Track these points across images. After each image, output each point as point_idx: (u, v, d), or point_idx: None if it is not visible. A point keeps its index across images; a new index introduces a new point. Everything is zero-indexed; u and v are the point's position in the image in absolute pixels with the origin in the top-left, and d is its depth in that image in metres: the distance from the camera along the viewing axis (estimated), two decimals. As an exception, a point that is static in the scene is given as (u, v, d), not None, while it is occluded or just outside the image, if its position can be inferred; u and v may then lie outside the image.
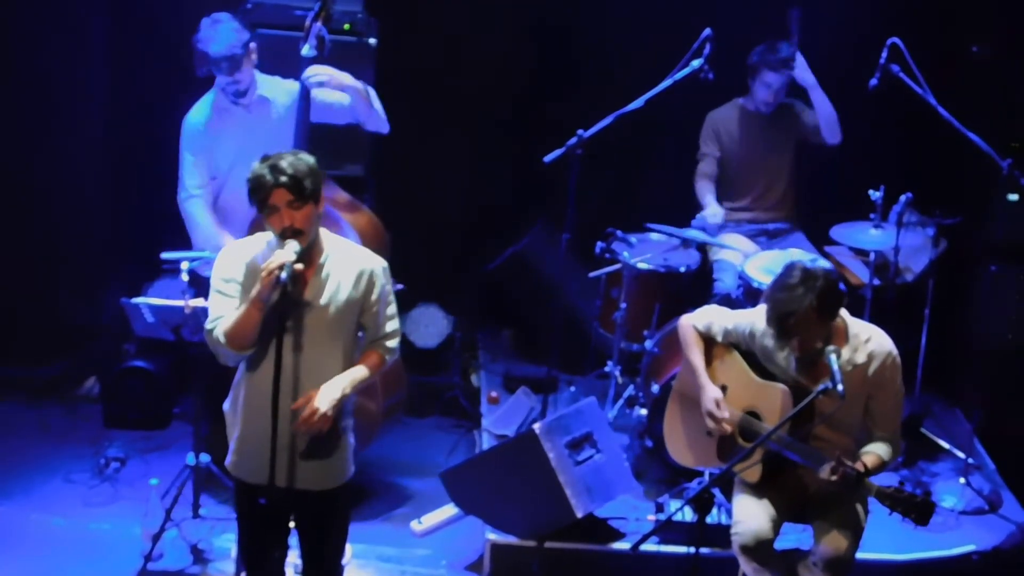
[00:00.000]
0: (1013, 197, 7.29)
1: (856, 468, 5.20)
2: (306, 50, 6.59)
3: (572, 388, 7.56)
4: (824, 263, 5.44)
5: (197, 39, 6.59)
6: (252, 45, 6.64)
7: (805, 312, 5.15)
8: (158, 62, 7.67)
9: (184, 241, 6.80)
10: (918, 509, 5.16)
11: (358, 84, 6.65)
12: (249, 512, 5.31)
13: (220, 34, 6.56)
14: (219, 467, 5.87)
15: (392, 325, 5.30)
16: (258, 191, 4.98)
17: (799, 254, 6.78)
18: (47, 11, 7.69)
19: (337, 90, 6.60)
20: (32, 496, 6.97)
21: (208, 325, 5.12)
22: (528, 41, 7.96)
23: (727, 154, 7.46)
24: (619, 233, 7.14)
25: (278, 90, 6.73)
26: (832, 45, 7.46)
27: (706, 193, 7.38)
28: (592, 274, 7.26)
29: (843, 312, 5.36)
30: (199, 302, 5.83)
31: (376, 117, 6.74)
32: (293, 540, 5.38)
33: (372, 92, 6.73)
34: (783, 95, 7.36)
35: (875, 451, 5.31)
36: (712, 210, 7.24)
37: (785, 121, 7.47)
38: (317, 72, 6.51)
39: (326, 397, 5.08)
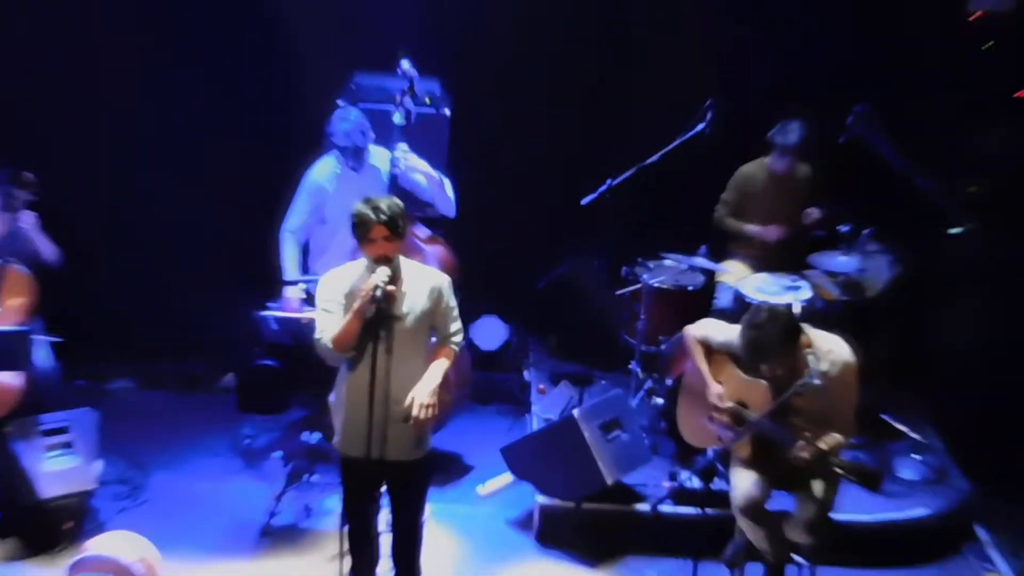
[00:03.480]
0: (955, 230, 7.23)
1: (819, 446, 5.19)
2: (397, 118, 6.68)
3: (603, 382, 7.54)
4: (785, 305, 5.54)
5: (329, 127, 6.69)
6: (371, 135, 6.70)
7: (771, 343, 5.17)
8: (284, 124, 7.71)
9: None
10: (868, 478, 5.15)
11: (434, 174, 6.70)
12: (350, 478, 5.37)
13: (348, 129, 6.66)
14: (327, 443, 5.91)
15: (456, 326, 5.34)
16: (361, 227, 5.05)
17: (779, 280, 6.81)
18: (210, 82, 7.69)
19: (418, 175, 6.65)
20: (185, 467, 7.05)
21: (317, 335, 5.19)
22: (570, 107, 7.91)
23: (745, 201, 7.37)
24: (640, 260, 7.18)
25: (382, 160, 6.75)
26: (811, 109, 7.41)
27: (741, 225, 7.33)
28: (619, 292, 7.25)
29: (808, 328, 5.35)
30: (312, 315, 5.89)
31: (446, 202, 6.77)
32: (385, 501, 5.41)
33: (447, 182, 6.76)
34: (788, 163, 7.24)
35: (833, 439, 5.25)
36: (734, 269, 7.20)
37: (792, 181, 7.34)
38: (405, 158, 6.58)
39: (425, 390, 5.13)
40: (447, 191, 6.76)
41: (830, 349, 5.31)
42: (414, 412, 5.10)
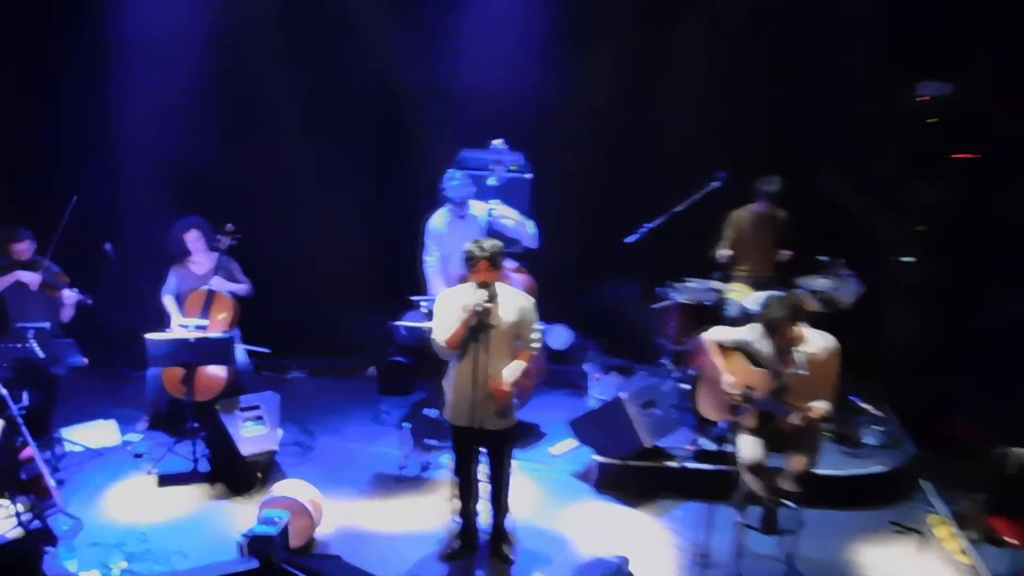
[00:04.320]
0: (908, 259, 7.18)
1: (809, 415, 5.20)
2: (492, 181, 6.77)
3: (642, 372, 7.48)
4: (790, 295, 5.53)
5: (442, 185, 6.75)
6: (471, 192, 6.78)
7: (782, 318, 5.22)
8: (411, 184, 7.76)
9: (415, 289, 6.92)
10: (845, 439, 5.14)
11: (519, 218, 6.75)
12: (457, 442, 5.44)
13: (454, 188, 6.74)
14: (441, 417, 6.00)
15: (535, 335, 5.35)
16: (471, 260, 5.12)
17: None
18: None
19: (507, 220, 6.73)
20: (339, 433, 7.08)
21: (434, 336, 5.27)
22: (618, 171, 7.88)
23: (739, 237, 7.35)
24: (669, 282, 7.17)
25: (480, 209, 6.82)
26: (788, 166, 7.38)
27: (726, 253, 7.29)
28: (654, 306, 7.24)
29: (804, 325, 5.37)
30: (431, 324, 6.01)
31: (528, 238, 6.82)
32: (483, 458, 5.48)
33: (530, 223, 6.80)
34: (769, 206, 7.22)
35: (820, 405, 5.27)
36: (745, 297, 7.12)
37: (772, 220, 7.34)
38: (498, 209, 6.68)
39: (507, 380, 5.20)
40: (529, 230, 6.81)
41: (819, 338, 5.35)
42: (498, 392, 5.16)
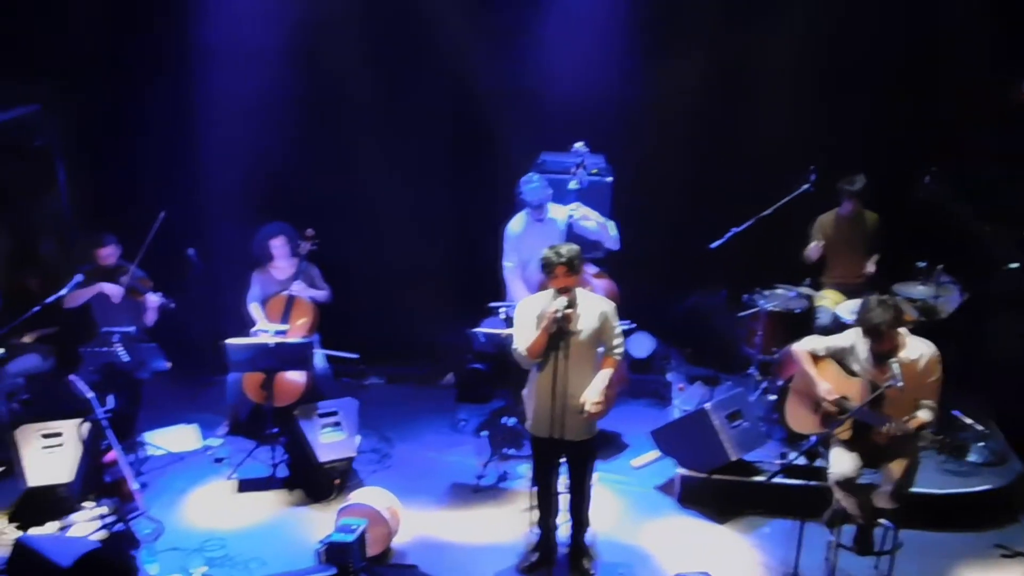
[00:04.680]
0: (1014, 265, 6.85)
1: (910, 426, 5.01)
2: (572, 185, 6.71)
3: (728, 383, 7.33)
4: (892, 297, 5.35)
5: (520, 189, 6.71)
6: (549, 195, 6.70)
7: (887, 321, 5.04)
8: (491, 188, 7.71)
9: (494, 296, 6.89)
10: (955, 451, 4.94)
11: (601, 220, 6.67)
12: (537, 452, 5.40)
13: (532, 190, 6.67)
14: (520, 425, 5.94)
15: (618, 340, 5.30)
16: (547, 266, 5.08)
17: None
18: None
19: (589, 222, 6.63)
20: (416, 440, 7.07)
21: (515, 345, 5.23)
22: (701, 174, 7.69)
23: (827, 241, 7.13)
24: (757, 289, 7.00)
25: (559, 213, 6.75)
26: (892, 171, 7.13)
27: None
28: (741, 314, 7.07)
29: (904, 331, 5.18)
30: (511, 332, 5.96)
31: (610, 240, 6.73)
32: (563, 469, 5.42)
33: (611, 224, 6.71)
34: (854, 207, 6.99)
35: (922, 415, 5.08)
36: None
37: (861, 223, 7.11)
38: (579, 211, 6.58)
39: (596, 391, 5.12)
40: (611, 231, 6.71)
41: (919, 344, 5.18)
42: (587, 408, 5.11)
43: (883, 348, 5.14)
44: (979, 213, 6.61)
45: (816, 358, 5.52)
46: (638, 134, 7.64)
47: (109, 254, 6.73)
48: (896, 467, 5.22)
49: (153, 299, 6.73)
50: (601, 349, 5.26)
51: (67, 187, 7.80)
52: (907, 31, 7.22)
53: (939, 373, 5.16)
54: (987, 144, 7.17)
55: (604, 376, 5.19)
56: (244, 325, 6.91)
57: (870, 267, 7.03)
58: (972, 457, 6.31)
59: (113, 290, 6.68)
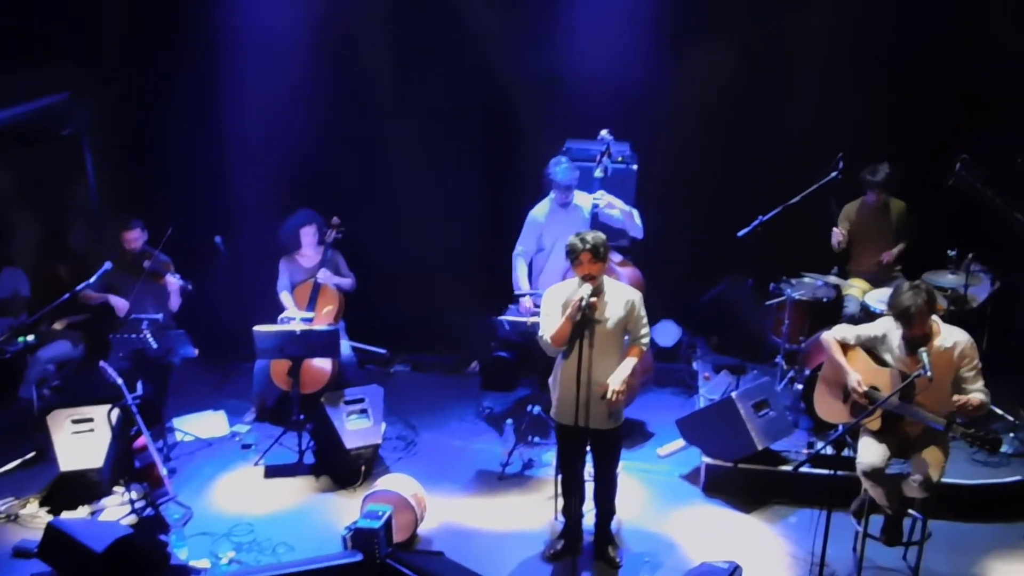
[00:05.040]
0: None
1: (967, 405, 4.97)
2: (597, 172, 6.65)
3: (754, 372, 7.26)
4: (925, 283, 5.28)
5: (548, 171, 6.62)
6: (577, 174, 6.65)
7: (919, 304, 5.00)
8: (517, 177, 7.68)
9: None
10: (989, 443, 4.88)
11: (626, 208, 6.61)
12: (562, 440, 5.41)
13: (563, 171, 6.59)
14: (546, 414, 5.94)
15: (644, 330, 5.28)
16: (573, 253, 5.06)
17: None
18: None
19: (614, 210, 6.58)
20: (442, 429, 7.06)
21: (540, 333, 5.23)
22: (727, 160, 7.63)
23: (854, 230, 7.09)
24: (784, 278, 6.95)
25: (584, 200, 6.71)
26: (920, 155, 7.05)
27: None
28: (768, 303, 7.04)
29: (936, 318, 5.13)
30: (535, 320, 5.95)
31: (635, 228, 6.66)
32: (588, 457, 5.43)
33: (636, 212, 6.64)
34: (879, 196, 6.92)
35: (978, 395, 5.02)
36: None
37: (887, 211, 7.04)
38: (604, 198, 6.53)
39: (618, 379, 5.12)
40: (636, 219, 6.66)
41: (952, 331, 5.13)
42: (609, 395, 5.11)
43: (914, 334, 5.09)
44: (1010, 201, 6.51)
45: (846, 347, 5.47)
46: (664, 121, 7.60)
47: (135, 238, 6.79)
48: (927, 457, 5.17)
49: (172, 281, 6.78)
50: (627, 338, 5.25)
51: (96, 175, 7.89)
52: (937, 18, 7.11)
53: (977, 359, 5.10)
54: (1020, 131, 7.07)
55: (629, 364, 5.18)
56: (271, 312, 6.95)
57: (886, 256, 6.96)
58: (1003, 448, 6.22)
59: (120, 304, 6.76)
